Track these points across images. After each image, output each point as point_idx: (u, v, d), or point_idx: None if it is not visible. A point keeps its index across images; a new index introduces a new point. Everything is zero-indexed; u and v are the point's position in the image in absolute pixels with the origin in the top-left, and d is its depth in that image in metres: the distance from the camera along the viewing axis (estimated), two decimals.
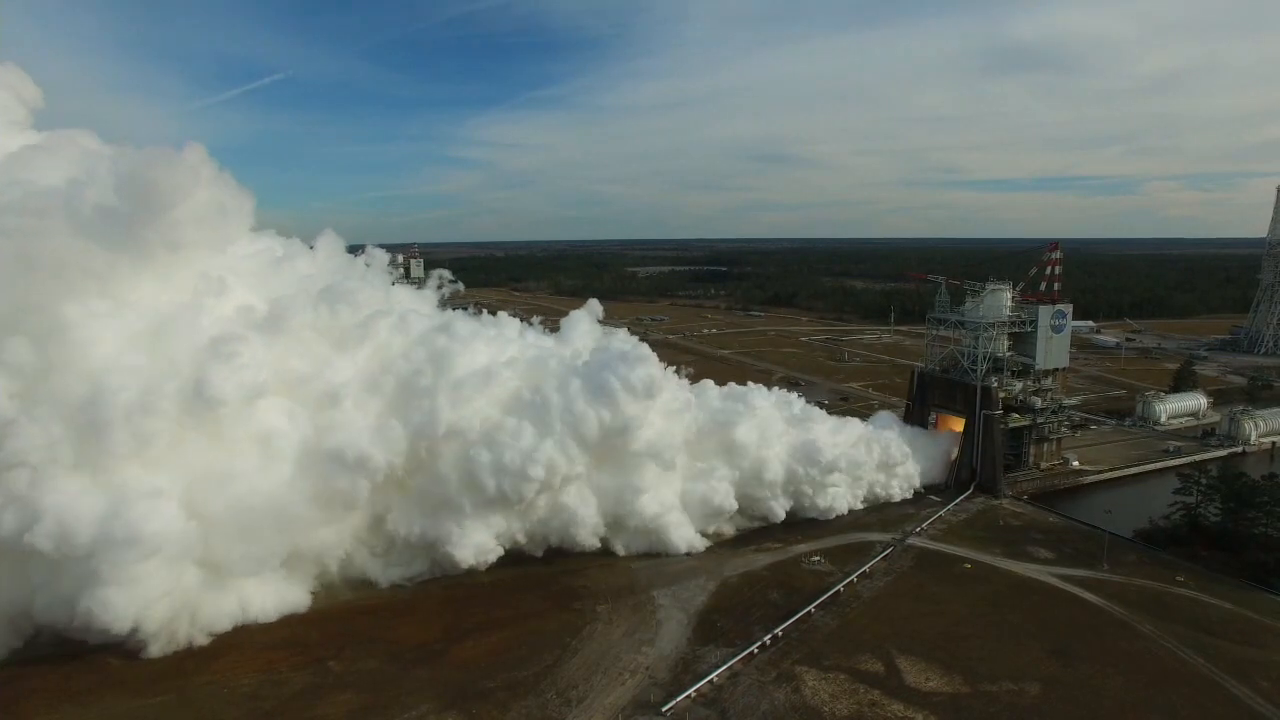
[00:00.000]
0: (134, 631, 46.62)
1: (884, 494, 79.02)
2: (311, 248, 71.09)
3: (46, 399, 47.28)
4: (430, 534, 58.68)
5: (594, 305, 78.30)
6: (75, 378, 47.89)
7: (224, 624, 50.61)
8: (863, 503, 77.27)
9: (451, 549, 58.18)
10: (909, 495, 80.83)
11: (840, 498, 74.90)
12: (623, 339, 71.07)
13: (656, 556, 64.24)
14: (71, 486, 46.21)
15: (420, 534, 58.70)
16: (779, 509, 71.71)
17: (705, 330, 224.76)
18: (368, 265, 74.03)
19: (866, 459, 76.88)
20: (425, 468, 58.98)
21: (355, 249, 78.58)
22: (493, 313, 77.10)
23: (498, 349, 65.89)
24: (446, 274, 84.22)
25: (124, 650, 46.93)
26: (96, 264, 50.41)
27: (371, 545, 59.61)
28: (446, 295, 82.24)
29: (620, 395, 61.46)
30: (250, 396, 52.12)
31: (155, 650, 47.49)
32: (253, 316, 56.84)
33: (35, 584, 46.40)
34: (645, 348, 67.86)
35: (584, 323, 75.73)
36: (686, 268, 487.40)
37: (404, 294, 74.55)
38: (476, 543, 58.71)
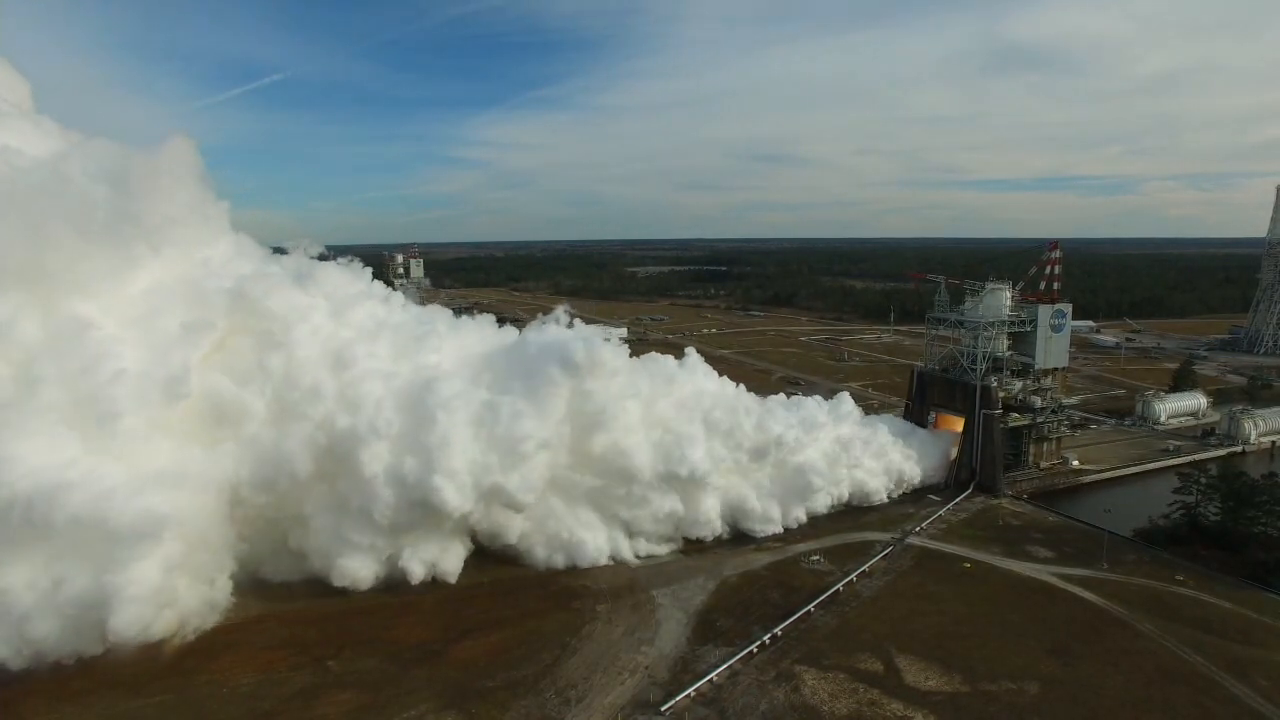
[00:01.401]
0: (145, 628, 46.22)
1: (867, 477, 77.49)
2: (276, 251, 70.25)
3: (42, 380, 46.96)
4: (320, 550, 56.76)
5: (565, 307, 75.98)
6: (67, 363, 47.68)
7: (210, 622, 50.39)
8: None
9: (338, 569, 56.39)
10: (899, 476, 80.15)
11: (811, 452, 72.05)
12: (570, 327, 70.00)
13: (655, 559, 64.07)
14: (82, 468, 45.35)
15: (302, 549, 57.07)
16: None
17: (705, 330, 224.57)
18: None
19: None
20: (343, 474, 56.61)
21: (332, 249, 77.94)
22: (473, 314, 77.31)
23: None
24: (426, 281, 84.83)
25: (124, 650, 46.60)
26: (76, 252, 50.09)
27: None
28: (421, 296, 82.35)
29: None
30: (216, 391, 52.52)
31: (155, 648, 47.21)
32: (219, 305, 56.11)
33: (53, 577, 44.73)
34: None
35: (554, 324, 72.52)
36: (686, 267, 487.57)
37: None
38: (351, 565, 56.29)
